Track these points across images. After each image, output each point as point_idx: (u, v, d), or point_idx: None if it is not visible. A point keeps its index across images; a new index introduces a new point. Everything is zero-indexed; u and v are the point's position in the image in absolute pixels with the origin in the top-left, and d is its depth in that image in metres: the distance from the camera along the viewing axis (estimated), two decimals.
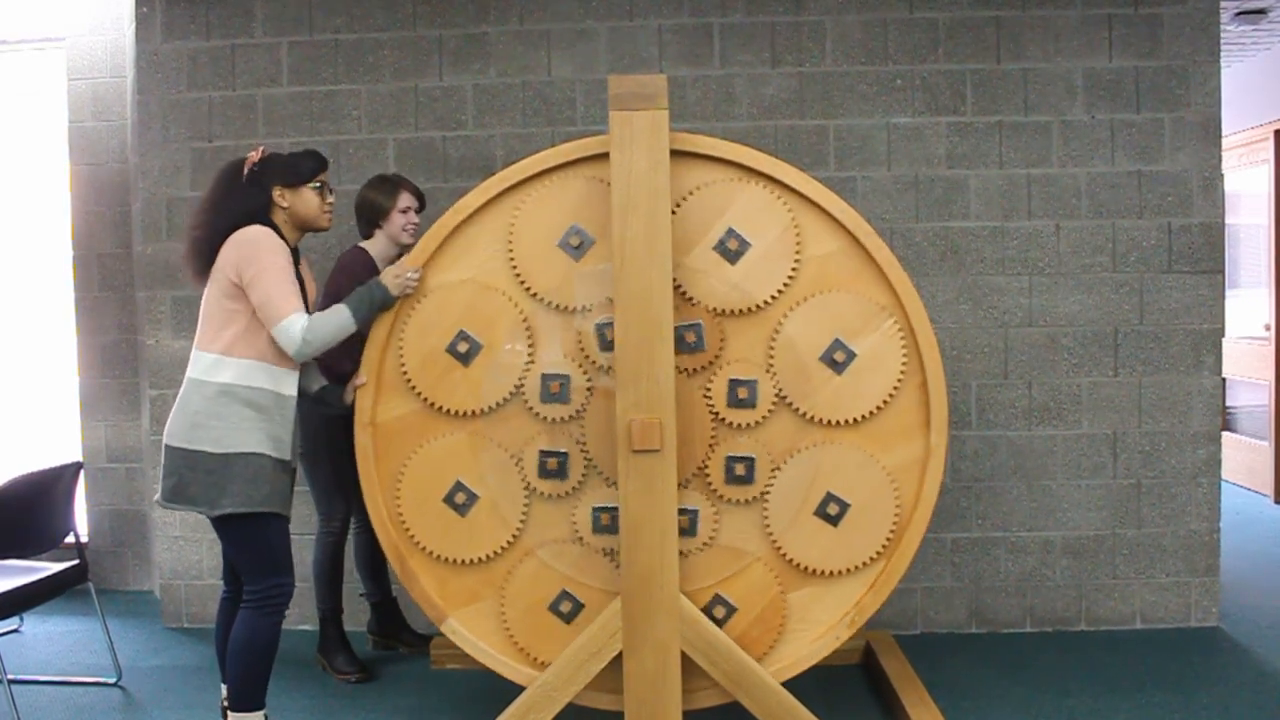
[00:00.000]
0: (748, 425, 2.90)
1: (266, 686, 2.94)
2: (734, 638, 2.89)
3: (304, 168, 2.98)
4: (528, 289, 2.92)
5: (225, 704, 3.12)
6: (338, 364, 3.60)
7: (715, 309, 2.89)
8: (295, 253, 3.02)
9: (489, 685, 3.34)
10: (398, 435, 2.98)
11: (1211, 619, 4.10)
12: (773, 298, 2.88)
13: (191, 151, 4.26)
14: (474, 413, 2.94)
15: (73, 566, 3.66)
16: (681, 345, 2.88)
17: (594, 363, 2.92)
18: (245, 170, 2.96)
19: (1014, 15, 4.05)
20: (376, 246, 3.70)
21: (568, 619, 2.95)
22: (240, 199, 2.94)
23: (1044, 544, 4.10)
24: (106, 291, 4.88)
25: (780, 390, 2.90)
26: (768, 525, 2.91)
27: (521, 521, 2.94)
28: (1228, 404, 6.82)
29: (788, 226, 2.88)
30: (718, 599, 2.92)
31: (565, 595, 2.95)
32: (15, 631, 4.32)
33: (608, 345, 2.89)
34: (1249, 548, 5.23)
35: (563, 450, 2.92)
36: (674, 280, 2.84)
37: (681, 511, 2.89)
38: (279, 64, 4.23)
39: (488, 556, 2.95)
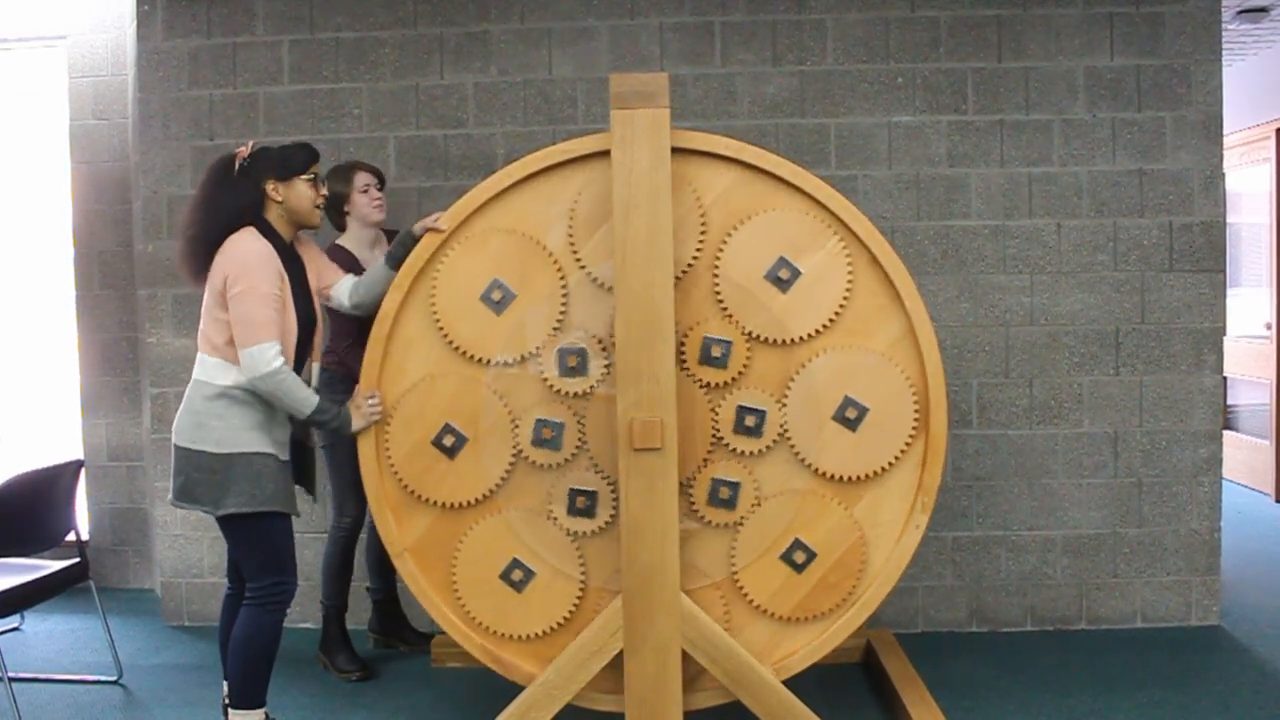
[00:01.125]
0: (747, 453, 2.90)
1: (267, 684, 2.95)
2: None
3: (296, 160, 2.96)
4: (455, 347, 2.93)
5: (226, 701, 3.12)
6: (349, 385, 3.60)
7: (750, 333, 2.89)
8: (291, 247, 3.01)
9: (489, 684, 3.34)
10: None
11: (1212, 618, 4.10)
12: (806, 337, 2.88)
13: (193, 150, 4.26)
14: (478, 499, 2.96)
15: (74, 564, 3.66)
16: (708, 359, 2.88)
17: (571, 394, 2.92)
18: (236, 165, 2.93)
19: (1015, 14, 4.05)
20: (352, 238, 3.73)
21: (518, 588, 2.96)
22: (232, 195, 2.92)
23: (1045, 543, 4.10)
24: (107, 290, 4.88)
25: (785, 429, 2.89)
26: (733, 557, 2.92)
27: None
28: (1229, 403, 6.82)
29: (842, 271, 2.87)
30: None
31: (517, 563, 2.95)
32: (16, 629, 4.32)
33: (569, 371, 2.90)
34: (1250, 546, 5.23)
35: (591, 489, 2.93)
36: (719, 297, 2.86)
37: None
38: (280, 62, 4.23)
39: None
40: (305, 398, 2.87)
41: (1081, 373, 4.08)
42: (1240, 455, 6.61)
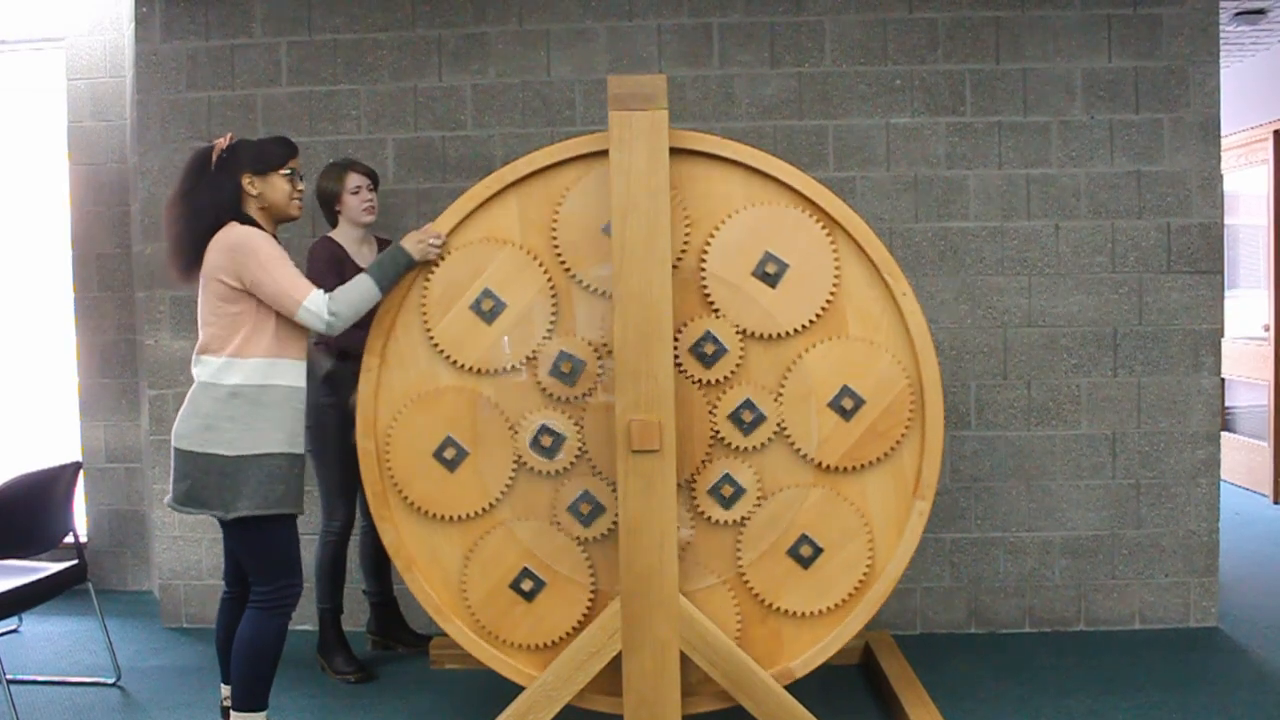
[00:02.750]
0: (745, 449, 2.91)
1: (270, 687, 2.93)
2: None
3: (273, 154, 2.93)
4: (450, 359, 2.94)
5: (225, 704, 3.12)
6: (336, 368, 3.62)
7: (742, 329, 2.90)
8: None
9: (488, 685, 3.34)
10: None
11: (1210, 619, 4.10)
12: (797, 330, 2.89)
13: (191, 151, 4.25)
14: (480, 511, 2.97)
15: (72, 566, 3.66)
16: (701, 357, 2.88)
17: (568, 400, 2.92)
18: (213, 158, 2.91)
19: (1013, 15, 4.05)
20: (342, 235, 3.74)
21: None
22: (210, 189, 2.89)
23: (1043, 544, 4.10)
24: (105, 291, 4.87)
25: (782, 423, 2.90)
26: (739, 554, 2.92)
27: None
28: (1227, 404, 6.82)
29: (829, 260, 2.88)
30: None
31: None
32: (14, 632, 4.32)
33: (564, 377, 2.91)
34: (1248, 548, 5.23)
35: (594, 494, 2.94)
36: (707, 294, 2.86)
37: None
38: (278, 64, 4.23)
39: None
40: (366, 290, 2.86)
41: (1080, 374, 4.08)
42: (1238, 457, 6.61)
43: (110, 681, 3.75)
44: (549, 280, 2.92)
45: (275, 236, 2.97)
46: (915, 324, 2.87)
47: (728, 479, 2.90)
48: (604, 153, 2.84)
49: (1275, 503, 6.24)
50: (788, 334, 2.89)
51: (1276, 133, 6.28)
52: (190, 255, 2.88)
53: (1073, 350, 4.08)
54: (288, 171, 2.94)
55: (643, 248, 2.75)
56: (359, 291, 2.86)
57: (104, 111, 4.87)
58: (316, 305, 2.81)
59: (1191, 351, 4.06)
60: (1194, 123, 4.04)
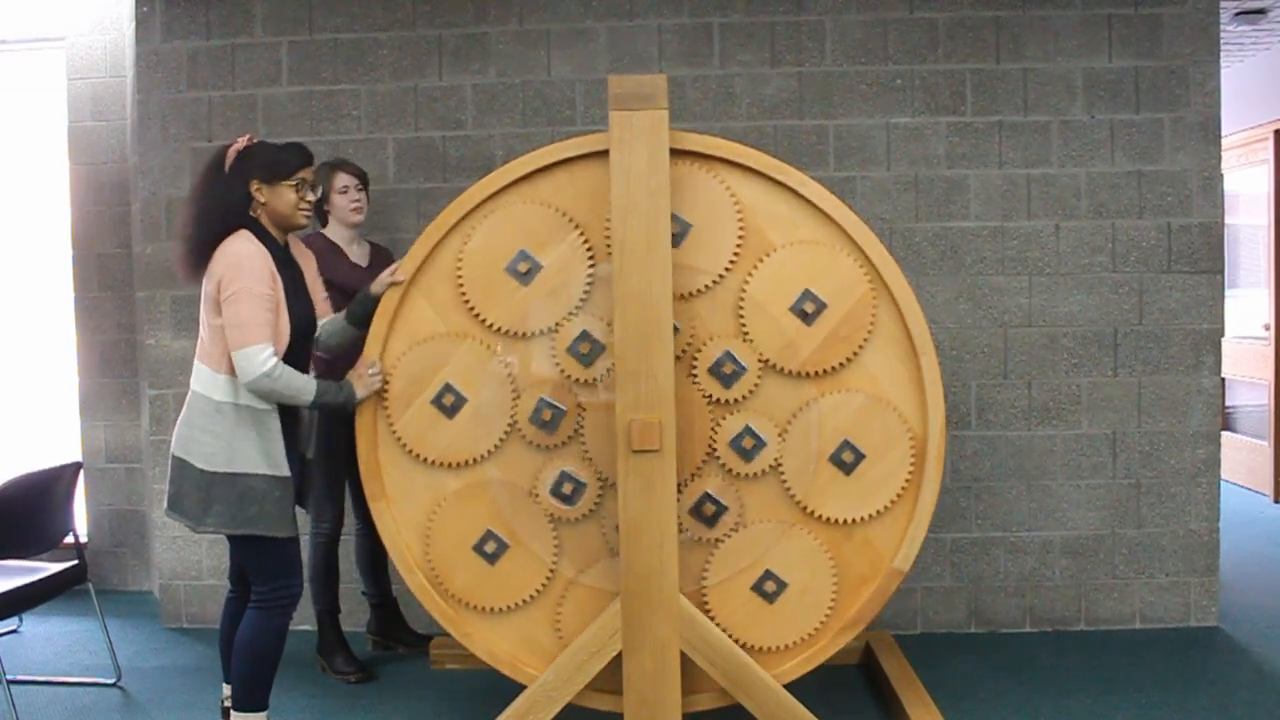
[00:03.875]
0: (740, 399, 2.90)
1: (270, 687, 2.92)
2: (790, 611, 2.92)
3: (283, 163, 2.88)
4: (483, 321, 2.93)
5: (226, 704, 3.12)
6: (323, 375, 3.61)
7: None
8: (286, 250, 2.97)
9: (488, 685, 3.34)
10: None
11: (1211, 619, 4.10)
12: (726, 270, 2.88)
13: (191, 151, 4.26)
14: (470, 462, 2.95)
15: (72, 567, 3.66)
16: (719, 375, 2.89)
17: (577, 380, 2.92)
18: (227, 161, 2.88)
19: (1013, 15, 4.05)
20: (334, 233, 3.76)
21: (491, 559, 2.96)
22: (220, 192, 2.86)
23: (1043, 544, 4.10)
24: (106, 291, 4.87)
25: (780, 460, 2.90)
26: (705, 574, 2.92)
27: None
28: (1227, 404, 6.82)
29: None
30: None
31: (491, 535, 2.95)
32: (14, 632, 4.32)
33: (581, 357, 2.90)
34: (1248, 547, 5.23)
35: (579, 476, 2.93)
36: (741, 316, 2.87)
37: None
38: (279, 64, 4.23)
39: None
40: (303, 386, 2.81)
41: (1080, 374, 4.08)
42: (1239, 456, 6.61)
43: (110, 682, 3.75)
44: (590, 256, 2.89)
45: (285, 244, 2.97)
46: (933, 394, 2.87)
47: (711, 498, 2.91)
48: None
49: (1276, 502, 6.24)
50: (809, 375, 2.88)
51: (1277, 132, 6.28)
52: (198, 255, 2.86)
53: (1073, 350, 4.08)
54: (295, 182, 2.89)
55: (643, 248, 2.75)
56: (301, 383, 2.81)
57: (104, 111, 4.87)
58: (261, 355, 2.74)
59: (1192, 351, 4.06)
60: (1194, 122, 4.04)
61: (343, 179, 3.72)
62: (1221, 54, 4.22)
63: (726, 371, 2.88)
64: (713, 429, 2.90)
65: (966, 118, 4.07)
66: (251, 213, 2.88)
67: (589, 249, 2.90)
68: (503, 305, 2.91)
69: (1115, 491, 4.09)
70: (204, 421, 2.81)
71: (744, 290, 2.88)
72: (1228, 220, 6.13)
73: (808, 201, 2.88)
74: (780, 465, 2.90)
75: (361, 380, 2.89)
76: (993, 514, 4.11)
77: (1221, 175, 4.08)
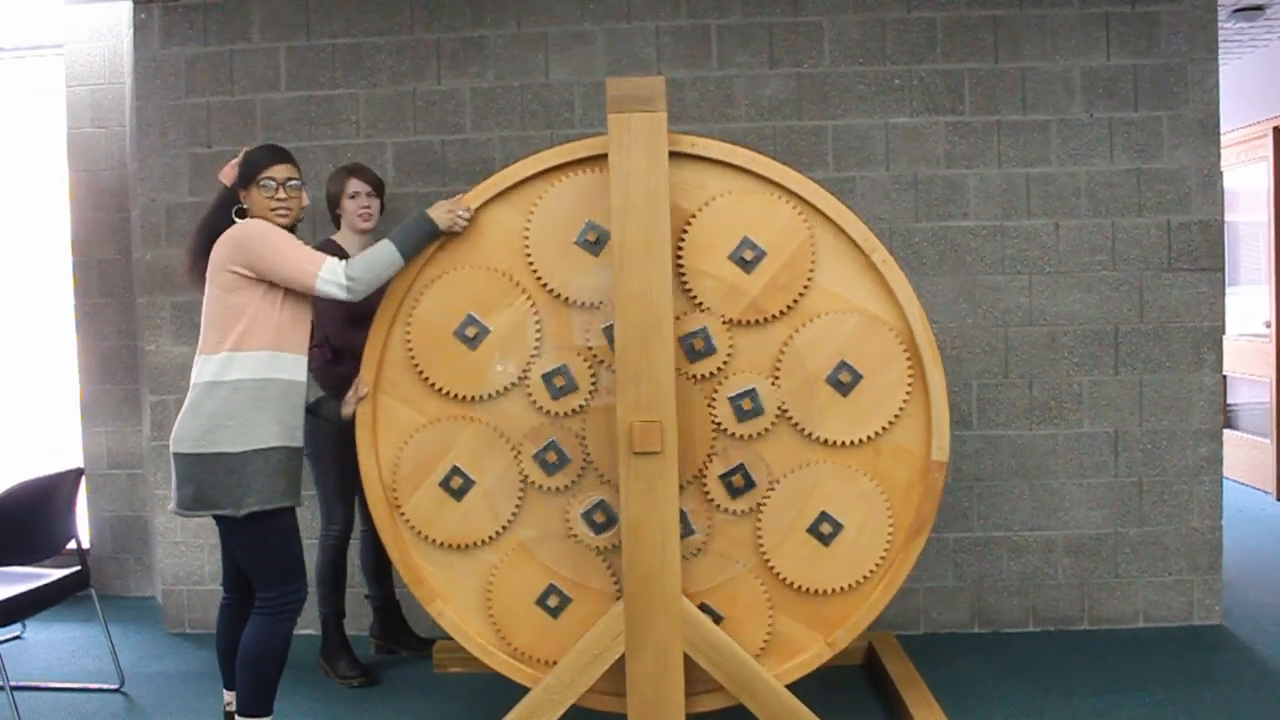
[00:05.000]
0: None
1: (275, 693, 2.92)
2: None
3: (254, 165, 2.90)
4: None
5: (228, 709, 3.12)
6: (327, 370, 3.62)
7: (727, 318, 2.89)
8: None
9: (491, 689, 3.34)
10: (397, 422, 3.00)
11: (1214, 617, 4.10)
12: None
13: (190, 157, 4.27)
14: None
15: (74, 573, 3.66)
16: (692, 352, 2.88)
17: (566, 413, 2.93)
18: (226, 175, 2.96)
19: (1011, 14, 4.05)
20: (344, 238, 3.75)
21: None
22: (218, 200, 2.96)
23: (1046, 543, 4.10)
24: (106, 298, 4.88)
25: (783, 406, 2.89)
26: (760, 539, 2.92)
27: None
28: (1228, 401, 6.82)
29: (805, 242, 2.87)
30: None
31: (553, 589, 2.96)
32: (18, 638, 4.32)
33: (559, 392, 2.92)
34: (1251, 545, 5.22)
35: (605, 501, 2.94)
36: (687, 286, 2.86)
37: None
38: (277, 69, 4.23)
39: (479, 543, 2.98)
40: (388, 256, 2.84)
41: (1081, 373, 4.08)
42: (1241, 454, 6.61)
43: (114, 687, 3.75)
44: (527, 298, 2.92)
45: None
46: (899, 286, 2.85)
47: (735, 468, 2.90)
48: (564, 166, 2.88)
49: (1278, 499, 6.23)
50: (774, 317, 2.88)
51: (1276, 129, 6.28)
52: (197, 253, 2.94)
53: (1074, 349, 4.07)
54: (266, 181, 2.89)
55: (642, 249, 2.75)
56: (380, 255, 2.84)
57: (104, 117, 4.87)
58: (333, 273, 2.81)
59: (1193, 349, 4.06)
60: (1193, 120, 4.04)
61: (355, 184, 3.72)
62: (1220, 51, 4.22)
63: (697, 348, 2.88)
64: (710, 403, 2.89)
65: (965, 117, 4.07)
66: (247, 218, 2.93)
67: (524, 292, 2.92)
68: (455, 371, 2.94)
69: (1117, 490, 4.08)
70: (222, 407, 2.81)
71: (679, 259, 2.87)
72: (1227, 218, 6.13)
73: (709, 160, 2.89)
74: (786, 411, 2.88)
75: (447, 215, 2.88)
76: (995, 514, 4.11)
77: (1221, 172, 4.08)
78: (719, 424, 2.90)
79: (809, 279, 2.87)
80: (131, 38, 4.38)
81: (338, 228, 3.79)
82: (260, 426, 2.82)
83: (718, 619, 2.91)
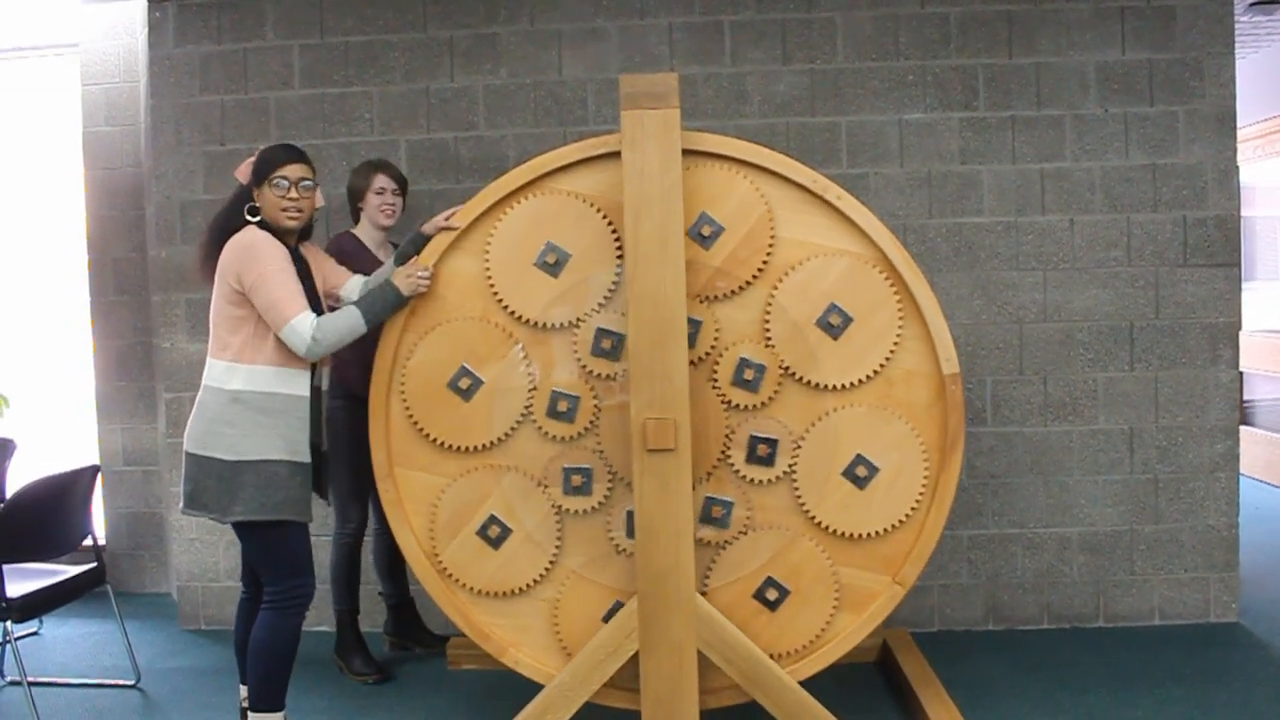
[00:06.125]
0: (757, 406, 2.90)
1: (287, 687, 2.94)
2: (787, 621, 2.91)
3: (266, 164, 2.90)
4: (517, 315, 2.93)
5: (244, 705, 3.13)
6: (342, 373, 3.63)
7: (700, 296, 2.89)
8: (295, 251, 2.98)
9: (505, 685, 3.34)
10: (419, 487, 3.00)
11: (1230, 614, 4.08)
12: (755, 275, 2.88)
13: (205, 155, 4.28)
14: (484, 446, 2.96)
15: (91, 569, 3.68)
16: (740, 381, 2.88)
17: (597, 375, 2.92)
18: (242, 173, 2.97)
19: (1026, 9, 4.03)
20: (364, 232, 3.75)
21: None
22: (234, 196, 2.97)
23: (1061, 540, 4.08)
24: (122, 295, 4.90)
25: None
26: (800, 499, 2.90)
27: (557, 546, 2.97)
28: (1245, 398, 6.78)
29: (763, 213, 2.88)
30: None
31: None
32: (34, 634, 4.35)
33: (602, 351, 2.91)
34: (1268, 542, 5.19)
35: (589, 469, 2.93)
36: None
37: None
38: (290, 67, 4.24)
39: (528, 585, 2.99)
40: (350, 322, 2.84)
41: (1096, 369, 4.06)
42: (1257, 450, 6.57)
43: (130, 683, 3.77)
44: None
45: (294, 246, 2.98)
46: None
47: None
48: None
49: None
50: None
51: None
52: (208, 250, 2.94)
53: (1089, 345, 4.06)
54: (277, 181, 2.88)
55: (656, 248, 2.75)
56: (344, 323, 2.84)
57: (118, 116, 4.89)
58: (303, 325, 2.79)
59: (1209, 345, 4.04)
60: (1209, 114, 4.01)
61: (380, 180, 3.72)
62: (1236, 45, 4.19)
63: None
64: (713, 384, 2.89)
65: (979, 113, 4.05)
66: (259, 216, 2.93)
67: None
68: (458, 423, 2.95)
69: (1133, 487, 4.06)
70: (221, 413, 2.83)
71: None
72: (1244, 213, 6.09)
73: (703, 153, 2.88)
74: (788, 367, 2.88)
75: (408, 280, 2.90)
76: (1010, 511, 4.09)
77: (1237, 167, 4.05)
78: (728, 400, 2.89)
79: (772, 236, 2.86)
80: (146, 36, 4.40)
81: (356, 221, 3.79)
82: (259, 438, 2.82)
83: (784, 593, 2.90)
